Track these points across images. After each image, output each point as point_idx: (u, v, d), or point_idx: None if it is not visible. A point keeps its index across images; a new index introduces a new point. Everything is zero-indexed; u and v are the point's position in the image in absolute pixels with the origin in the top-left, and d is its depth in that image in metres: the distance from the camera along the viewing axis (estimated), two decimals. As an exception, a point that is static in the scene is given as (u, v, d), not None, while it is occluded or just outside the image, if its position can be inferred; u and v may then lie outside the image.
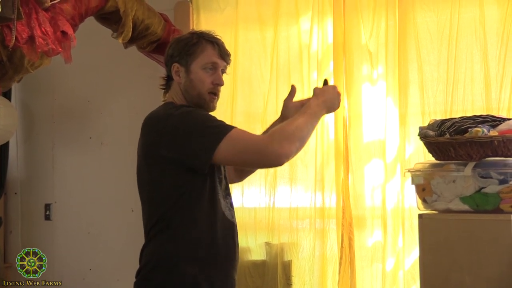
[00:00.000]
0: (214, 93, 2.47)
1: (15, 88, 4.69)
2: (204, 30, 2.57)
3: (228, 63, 2.52)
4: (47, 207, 4.84)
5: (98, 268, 4.66)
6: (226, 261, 2.42)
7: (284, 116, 2.63)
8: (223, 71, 2.51)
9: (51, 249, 4.77)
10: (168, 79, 2.55)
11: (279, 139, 2.25)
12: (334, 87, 2.50)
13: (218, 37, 2.52)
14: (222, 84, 2.49)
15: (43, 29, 3.07)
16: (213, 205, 2.38)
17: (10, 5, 2.65)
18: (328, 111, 2.47)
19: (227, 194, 2.48)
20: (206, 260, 2.35)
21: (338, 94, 2.48)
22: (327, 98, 2.43)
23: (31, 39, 3.01)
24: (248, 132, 2.35)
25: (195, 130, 2.30)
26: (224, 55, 2.49)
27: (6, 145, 4.73)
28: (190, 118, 2.33)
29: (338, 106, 2.49)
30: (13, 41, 2.88)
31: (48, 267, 4.65)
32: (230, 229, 2.43)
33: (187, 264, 2.33)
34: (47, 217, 4.84)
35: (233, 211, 2.49)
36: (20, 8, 2.78)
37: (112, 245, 4.61)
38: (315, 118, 2.38)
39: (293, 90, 2.68)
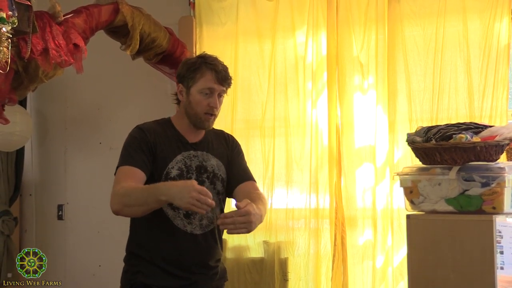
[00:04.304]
0: (210, 114, 2.59)
1: (30, 96, 4.68)
2: (210, 55, 2.65)
3: (226, 87, 2.61)
4: (60, 207, 4.83)
5: (106, 265, 4.64)
6: (171, 262, 2.54)
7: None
8: (220, 95, 2.61)
9: (63, 247, 4.77)
10: None
11: (114, 195, 2.45)
12: (191, 186, 2.29)
13: (219, 63, 2.60)
14: (216, 107, 2.59)
15: (56, 41, 3.07)
16: (155, 215, 2.49)
17: (26, 19, 2.65)
18: (172, 200, 2.32)
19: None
20: (146, 258, 2.56)
21: (188, 192, 2.26)
22: (175, 188, 2.32)
23: (45, 51, 3.01)
24: (121, 176, 2.50)
25: (122, 151, 2.59)
26: (222, 80, 2.58)
27: (21, 150, 4.72)
28: (126, 141, 2.60)
29: (183, 204, 2.27)
30: (29, 53, 2.87)
31: (59, 263, 4.66)
32: (180, 237, 2.54)
33: (131, 261, 2.63)
34: (60, 217, 4.82)
35: (196, 223, 2.56)
36: (35, 22, 2.78)
37: (120, 243, 4.57)
38: (152, 197, 2.37)
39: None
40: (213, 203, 2.31)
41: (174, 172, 2.54)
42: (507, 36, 3.52)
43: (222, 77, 2.58)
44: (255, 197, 2.54)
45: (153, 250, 2.56)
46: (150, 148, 2.54)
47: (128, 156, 2.53)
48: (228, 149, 2.73)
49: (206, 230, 2.59)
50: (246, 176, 2.71)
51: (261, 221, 2.42)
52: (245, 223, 2.30)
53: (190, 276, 2.56)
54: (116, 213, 2.46)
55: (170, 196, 2.32)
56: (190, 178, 2.54)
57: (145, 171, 2.51)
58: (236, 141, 2.81)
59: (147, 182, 2.50)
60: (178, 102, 2.68)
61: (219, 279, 2.69)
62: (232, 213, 2.31)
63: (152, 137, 2.56)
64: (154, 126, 2.63)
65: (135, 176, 2.48)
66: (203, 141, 2.67)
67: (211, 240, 2.61)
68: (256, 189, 2.69)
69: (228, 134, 2.82)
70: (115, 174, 2.55)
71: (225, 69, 2.61)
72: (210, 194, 2.30)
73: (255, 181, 2.73)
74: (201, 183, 2.52)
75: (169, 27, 3.98)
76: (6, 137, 4.29)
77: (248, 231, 2.33)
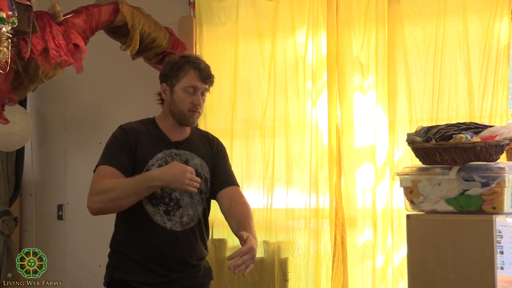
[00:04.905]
0: (194, 111, 2.63)
1: (30, 96, 4.68)
2: (192, 54, 2.76)
3: (209, 85, 2.67)
4: (60, 207, 4.83)
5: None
6: (150, 258, 2.58)
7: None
8: (203, 93, 2.66)
9: (63, 247, 4.77)
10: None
11: (94, 194, 2.52)
12: (184, 167, 2.47)
13: (202, 62, 2.66)
14: (199, 104, 2.64)
15: (56, 41, 3.07)
16: (135, 211, 2.56)
17: (26, 19, 2.65)
18: (167, 184, 2.47)
19: (166, 204, 2.59)
20: (126, 253, 2.61)
21: (183, 174, 2.43)
22: (168, 172, 2.46)
23: (45, 51, 3.01)
24: (101, 175, 2.56)
25: (103, 151, 2.66)
26: (205, 78, 2.64)
27: (21, 150, 4.72)
28: (108, 141, 2.67)
29: (180, 185, 2.43)
30: (29, 53, 2.88)
31: (59, 263, 4.66)
32: (159, 234, 2.57)
33: (112, 256, 2.68)
34: (60, 217, 4.82)
35: (176, 220, 2.60)
36: (35, 22, 2.78)
37: (120, 243, 4.60)
38: (142, 186, 2.47)
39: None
40: (199, 179, 2.50)
41: (154, 169, 2.57)
42: (507, 36, 3.52)
43: (205, 75, 2.64)
44: (243, 211, 2.62)
45: (132, 247, 2.60)
46: (131, 147, 2.60)
47: (109, 156, 2.61)
48: (212, 151, 2.76)
49: (186, 227, 2.62)
50: (230, 180, 2.75)
51: (257, 243, 2.50)
52: (251, 258, 2.37)
53: (169, 274, 2.59)
54: (96, 212, 2.53)
55: (165, 180, 2.44)
56: None
57: (124, 172, 2.56)
58: (221, 144, 2.84)
59: None
60: (162, 102, 2.73)
61: (202, 277, 2.71)
62: (238, 254, 2.35)
63: (133, 136, 2.62)
64: (137, 126, 2.69)
65: (114, 177, 2.54)
66: (187, 141, 2.70)
67: (192, 238, 2.64)
68: (241, 196, 2.73)
69: (213, 136, 2.86)
70: (94, 171, 2.61)
71: (207, 67, 2.67)
72: (194, 171, 2.48)
73: (239, 185, 2.78)
74: None
75: (169, 27, 3.98)
76: (6, 137, 4.29)
77: (254, 263, 2.40)
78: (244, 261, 2.34)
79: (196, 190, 2.48)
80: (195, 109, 2.63)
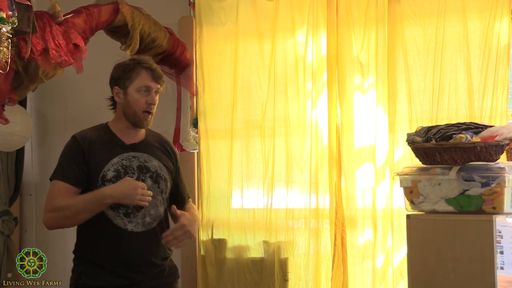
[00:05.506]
0: (148, 112, 2.69)
1: (30, 96, 4.68)
2: (142, 56, 2.84)
3: (161, 85, 2.74)
4: (60, 207, 4.82)
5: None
6: (113, 261, 2.63)
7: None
8: (157, 92, 2.72)
9: (63, 247, 4.75)
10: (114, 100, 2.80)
11: (49, 211, 2.60)
12: (135, 183, 2.57)
13: (153, 63, 2.75)
14: (154, 104, 2.71)
15: (56, 41, 3.07)
16: (96, 216, 2.61)
17: (26, 19, 2.66)
18: (118, 201, 2.57)
19: (126, 206, 2.62)
20: (90, 259, 2.66)
21: (134, 189, 2.54)
22: (119, 189, 2.55)
23: (45, 51, 3.01)
24: (55, 192, 2.63)
25: (58, 161, 2.73)
26: (157, 78, 2.71)
27: (21, 150, 4.72)
28: (62, 152, 2.74)
29: (131, 201, 2.55)
30: (29, 53, 2.88)
31: (59, 263, 4.64)
32: (120, 236, 2.63)
33: (76, 261, 2.73)
34: (60, 217, 4.82)
35: (138, 221, 2.64)
36: (35, 22, 2.78)
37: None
38: (95, 203, 2.56)
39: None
40: (151, 193, 2.59)
41: (110, 174, 2.63)
42: (507, 36, 3.51)
43: (157, 75, 2.70)
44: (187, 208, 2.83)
45: (95, 251, 2.65)
46: (84, 156, 2.66)
47: (62, 170, 2.67)
48: (171, 158, 2.84)
49: (148, 227, 2.67)
50: (186, 197, 2.91)
51: (198, 224, 2.77)
52: (184, 234, 2.61)
53: (134, 276, 2.63)
54: (52, 227, 2.65)
55: (116, 197, 2.53)
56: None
57: (78, 185, 2.64)
58: (175, 150, 2.94)
59: (84, 190, 2.64)
60: (114, 106, 2.78)
61: (168, 276, 2.75)
62: (170, 231, 2.64)
63: (86, 145, 2.68)
64: (90, 133, 2.75)
65: (69, 193, 2.62)
66: (143, 143, 2.76)
67: (154, 238, 2.68)
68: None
69: (165, 138, 2.93)
70: (50, 180, 2.68)
71: (158, 68, 2.75)
72: (145, 185, 2.58)
73: (189, 197, 2.99)
74: (142, 181, 2.64)
75: (169, 27, 3.98)
76: (6, 137, 4.29)
77: (191, 239, 2.66)
78: (176, 236, 2.60)
79: (147, 204, 2.55)
80: (149, 109, 2.68)
